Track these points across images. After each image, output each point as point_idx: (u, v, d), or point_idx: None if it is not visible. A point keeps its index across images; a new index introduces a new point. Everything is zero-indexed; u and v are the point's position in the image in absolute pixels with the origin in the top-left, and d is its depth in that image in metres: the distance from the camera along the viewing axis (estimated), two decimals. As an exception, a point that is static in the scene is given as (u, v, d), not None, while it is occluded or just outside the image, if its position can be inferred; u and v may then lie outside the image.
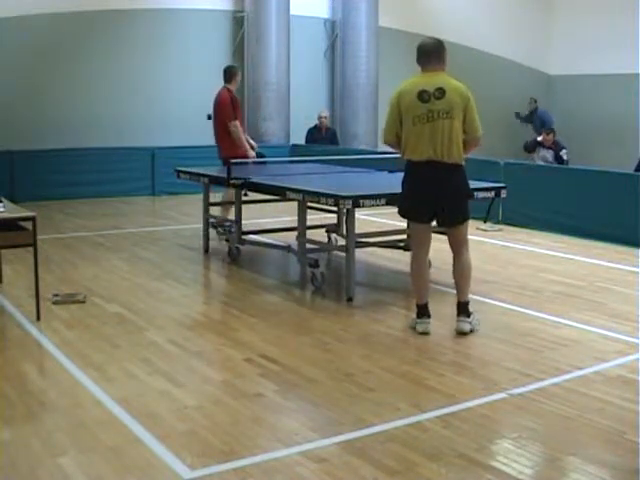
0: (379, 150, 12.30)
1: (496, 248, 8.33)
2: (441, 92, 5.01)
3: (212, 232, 8.13)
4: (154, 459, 3.40)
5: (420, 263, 5.26)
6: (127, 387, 4.25)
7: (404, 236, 7.03)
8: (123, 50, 12.71)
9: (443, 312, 5.42)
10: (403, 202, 5.31)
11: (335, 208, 7.08)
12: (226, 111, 8.51)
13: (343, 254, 6.32)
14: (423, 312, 5.24)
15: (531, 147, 12.32)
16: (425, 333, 5.19)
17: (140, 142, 12.45)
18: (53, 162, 11.51)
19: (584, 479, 3.28)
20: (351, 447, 3.51)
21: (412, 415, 3.87)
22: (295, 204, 6.68)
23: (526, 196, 9.30)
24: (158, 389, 4.21)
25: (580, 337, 5.20)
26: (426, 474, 3.27)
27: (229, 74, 8.77)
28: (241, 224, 7.51)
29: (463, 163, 5.14)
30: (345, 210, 6.16)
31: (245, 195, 7.92)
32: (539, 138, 12.24)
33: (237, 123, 8.53)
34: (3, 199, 5.63)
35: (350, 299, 6.02)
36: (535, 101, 15.56)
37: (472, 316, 5.26)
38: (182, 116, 13.03)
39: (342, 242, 6.99)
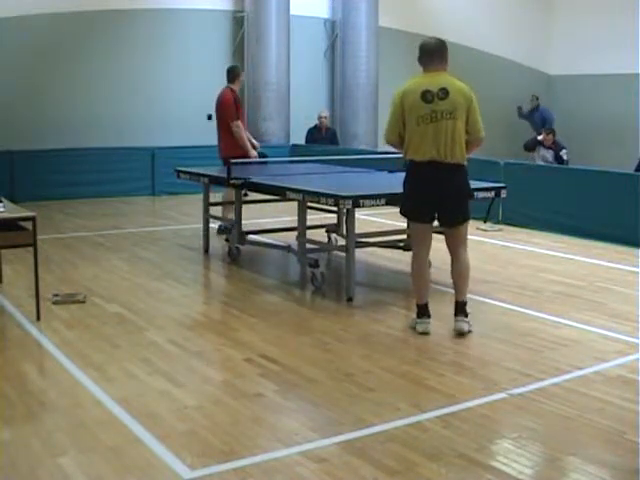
0: (379, 150, 12.31)
1: (496, 248, 8.33)
2: (445, 92, 5.01)
3: (212, 232, 8.13)
4: (154, 459, 3.40)
5: (421, 263, 5.26)
6: (127, 387, 4.25)
7: (404, 236, 7.02)
8: (123, 50, 12.71)
9: (443, 312, 5.42)
10: (405, 202, 5.31)
11: (335, 208, 7.09)
12: (229, 111, 8.51)
13: (343, 254, 6.32)
14: (423, 312, 5.24)
15: (531, 146, 12.32)
16: (425, 333, 5.19)
17: (140, 142, 12.45)
18: (53, 162, 11.51)
19: (584, 479, 3.28)
20: (351, 447, 3.51)
21: (412, 415, 3.87)
22: (295, 204, 6.68)
23: (526, 196, 9.30)
24: (158, 389, 4.21)
25: (580, 337, 5.20)
26: (426, 474, 3.27)
27: (232, 74, 8.78)
28: (241, 224, 7.51)
29: (465, 163, 5.14)
30: (345, 210, 6.16)
31: (245, 195, 7.92)
32: (539, 137, 12.24)
33: (239, 123, 8.54)
34: (3, 199, 5.64)
35: (350, 299, 6.02)
36: (537, 98, 15.54)
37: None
38: (182, 116, 13.04)
39: (342, 242, 6.99)
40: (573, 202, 8.97)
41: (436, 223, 5.29)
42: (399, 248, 7.13)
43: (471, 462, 3.38)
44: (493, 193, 6.50)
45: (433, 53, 5.12)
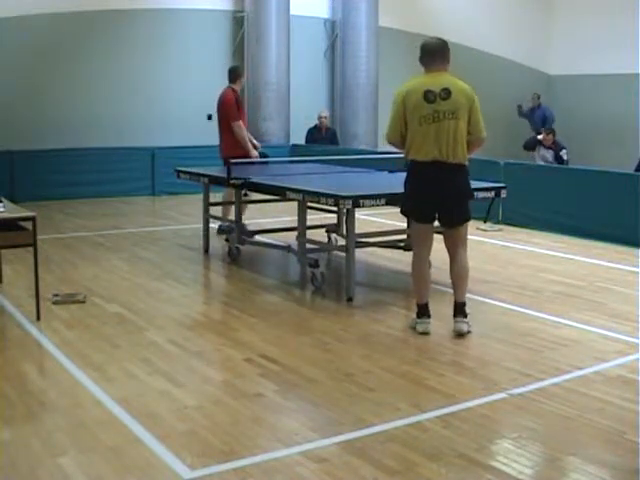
0: (379, 150, 12.31)
1: (496, 248, 8.33)
2: (447, 93, 5.01)
3: (212, 232, 8.14)
4: (154, 459, 3.40)
5: (421, 263, 5.26)
6: (127, 387, 4.25)
7: (404, 236, 7.03)
8: (123, 50, 12.71)
9: (443, 312, 5.42)
10: (406, 202, 5.30)
11: (335, 208, 7.09)
12: (231, 111, 8.51)
13: (343, 254, 6.32)
14: (423, 312, 5.24)
15: (531, 145, 12.32)
16: (425, 333, 5.19)
17: (140, 142, 12.46)
18: (53, 162, 11.51)
19: (584, 479, 3.28)
20: (351, 447, 3.51)
21: (412, 415, 3.87)
22: (295, 204, 6.68)
23: (526, 196, 9.30)
24: (158, 389, 4.21)
25: (580, 337, 5.20)
26: (426, 474, 3.27)
27: (234, 74, 8.77)
28: (242, 224, 7.51)
29: (467, 163, 5.14)
30: (345, 210, 6.16)
31: (245, 195, 7.92)
32: (539, 136, 12.23)
33: (241, 123, 8.55)
34: (3, 199, 5.63)
35: (350, 299, 6.02)
36: (538, 97, 15.55)
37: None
38: (182, 116, 13.04)
39: (342, 242, 6.99)
40: (573, 202, 8.97)
41: (437, 223, 5.29)
42: (399, 248, 7.13)
43: (471, 462, 3.38)
44: (493, 193, 6.50)
45: (435, 53, 5.12)
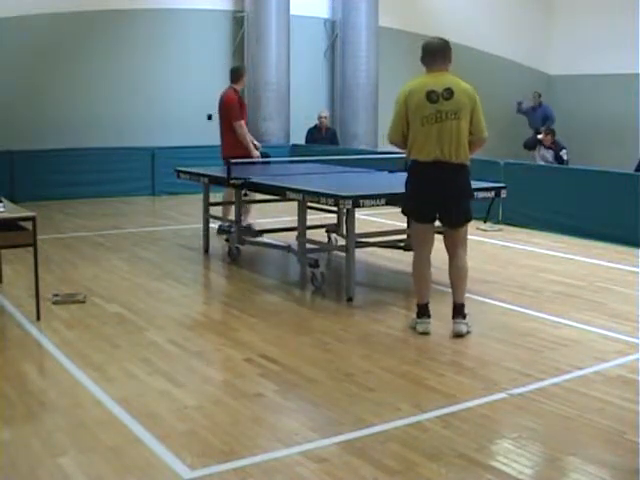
0: (379, 150, 12.31)
1: (496, 248, 8.33)
2: (449, 93, 5.00)
3: (212, 232, 8.14)
4: (154, 459, 3.40)
5: (422, 263, 5.25)
6: (127, 387, 4.25)
7: (404, 236, 7.02)
8: (123, 50, 12.71)
9: (443, 312, 5.42)
10: (407, 202, 5.30)
11: (335, 208, 7.09)
12: (233, 111, 8.51)
13: (343, 254, 6.32)
14: (423, 312, 5.24)
15: (531, 144, 12.32)
16: (425, 333, 5.19)
17: (140, 142, 12.45)
18: (53, 162, 11.51)
19: (584, 479, 3.28)
20: (351, 447, 3.51)
21: (412, 415, 3.87)
22: (295, 204, 6.68)
23: (526, 196, 9.30)
24: (158, 389, 4.21)
25: (580, 337, 5.20)
26: (426, 474, 3.27)
27: (236, 74, 8.77)
28: (241, 224, 7.51)
29: (468, 163, 5.14)
30: (345, 210, 6.16)
31: (245, 195, 7.92)
32: (539, 136, 12.23)
33: (243, 123, 8.55)
34: (3, 199, 5.63)
35: (350, 299, 6.02)
36: (539, 95, 15.55)
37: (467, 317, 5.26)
38: (182, 116, 13.04)
39: (342, 242, 6.99)
40: (573, 202, 8.97)
41: (437, 223, 5.29)
42: (399, 248, 7.13)
43: (471, 462, 3.38)
44: (493, 193, 6.50)
45: (436, 53, 5.11)
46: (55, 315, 5.58)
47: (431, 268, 5.28)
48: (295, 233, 6.89)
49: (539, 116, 15.13)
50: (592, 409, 3.97)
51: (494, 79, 15.86)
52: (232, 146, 8.50)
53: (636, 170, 10.67)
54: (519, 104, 15.61)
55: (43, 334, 5.16)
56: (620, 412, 3.95)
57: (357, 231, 6.12)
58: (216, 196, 8.53)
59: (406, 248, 6.95)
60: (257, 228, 8.13)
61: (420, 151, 5.05)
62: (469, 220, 5.24)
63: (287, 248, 7.16)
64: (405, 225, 6.63)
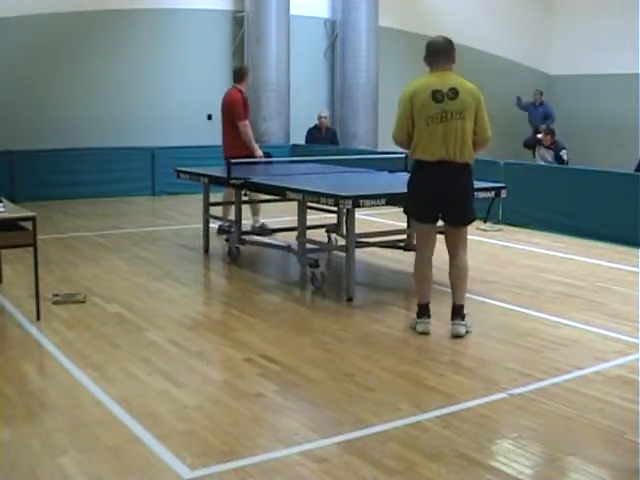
0: (379, 150, 12.31)
1: (496, 248, 8.33)
2: (454, 92, 4.99)
3: (212, 232, 8.14)
4: (154, 459, 3.40)
5: (424, 263, 5.24)
6: (127, 387, 4.25)
7: (404, 236, 7.03)
8: (123, 50, 12.71)
9: (443, 312, 5.42)
10: (409, 201, 5.29)
11: (335, 208, 7.08)
12: (237, 111, 8.51)
13: (343, 254, 6.32)
14: (424, 312, 5.24)
15: (531, 143, 12.32)
16: (425, 333, 5.19)
17: (140, 142, 12.45)
18: (53, 162, 11.51)
19: (584, 479, 3.28)
20: (351, 447, 3.51)
21: (412, 415, 3.87)
22: (295, 204, 6.68)
23: (526, 196, 9.30)
24: (158, 389, 4.22)
25: (580, 337, 5.20)
26: (426, 474, 3.27)
27: (239, 74, 8.77)
28: (241, 224, 7.51)
29: (472, 163, 5.14)
30: (345, 210, 6.16)
31: (245, 195, 7.92)
32: (539, 135, 12.23)
33: (247, 123, 8.55)
34: (3, 199, 5.64)
35: (350, 299, 6.02)
36: (541, 93, 15.55)
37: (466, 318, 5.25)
38: (182, 116, 13.04)
39: (342, 242, 6.99)
40: (573, 202, 8.97)
41: (440, 223, 5.28)
42: (399, 248, 7.13)
43: (471, 462, 3.38)
44: (493, 193, 6.50)
45: (440, 52, 5.09)
46: (55, 315, 5.58)
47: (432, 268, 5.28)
48: (295, 233, 6.89)
49: (540, 114, 15.13)
50: (592, 409, 3.97)
51: (494, 79, 15.84)
52: (234, 146, 8.50)
53: (636, 170, 10.67)
54: (518, 99, 15.62)
55: (43, 334, 5.16)
56: (620, 412, 3.95)
57: (357, 231, 6.12)
58: (216, 196, 8.53)
59: (406, 248, 6.95)
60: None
61: (425, 151, 5.04)
62: (473, 220, 5.24)
63: (287, 248, 7.16)
64: (405, 225, 6.64)
